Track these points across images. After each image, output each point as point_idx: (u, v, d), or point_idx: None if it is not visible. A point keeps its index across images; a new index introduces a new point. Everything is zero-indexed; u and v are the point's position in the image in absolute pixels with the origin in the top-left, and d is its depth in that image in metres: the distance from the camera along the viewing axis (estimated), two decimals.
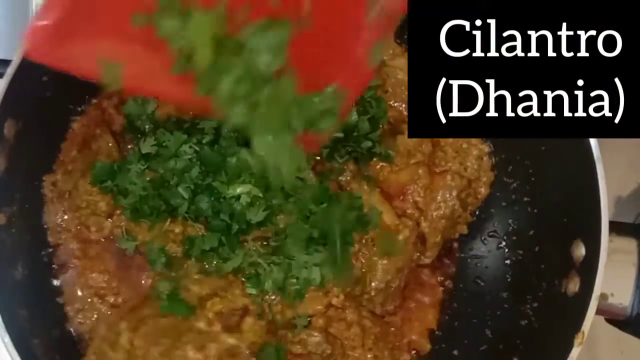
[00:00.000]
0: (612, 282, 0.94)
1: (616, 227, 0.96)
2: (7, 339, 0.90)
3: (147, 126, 1.11)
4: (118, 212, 1.08)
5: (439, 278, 1.20)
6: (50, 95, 1.06)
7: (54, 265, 1.09)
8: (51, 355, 1.01)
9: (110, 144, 1.11)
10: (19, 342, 0.91)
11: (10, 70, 0.97)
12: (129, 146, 1.12)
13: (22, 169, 1.04)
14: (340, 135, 1.08)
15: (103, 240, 1.09)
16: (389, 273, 1.08)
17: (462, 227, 1.18)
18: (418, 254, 1.15)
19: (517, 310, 1.09)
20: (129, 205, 1.05)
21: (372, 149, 1.11)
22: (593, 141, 0.96)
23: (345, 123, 1.07)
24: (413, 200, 1.12)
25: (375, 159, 1.13)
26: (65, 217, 1.09)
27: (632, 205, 1.34)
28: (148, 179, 1.05)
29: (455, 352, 1.15)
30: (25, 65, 0.97)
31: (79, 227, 1.09)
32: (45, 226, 1.09)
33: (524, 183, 1.15)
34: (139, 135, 1.10)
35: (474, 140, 1.16)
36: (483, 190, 1.17)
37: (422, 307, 1.17)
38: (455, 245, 1.20)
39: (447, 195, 1.12)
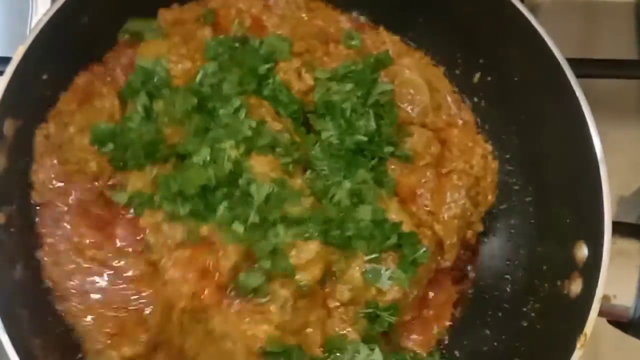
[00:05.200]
0: (614, 284, 0.94)
1: (619, 229, 0.96)
2: (6, 338, 0.90)
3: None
4: (104, 175, 1.07)
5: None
6: (51, 94, 1.06)
7: (38, 230, 1.06)
8: (50, 354, 1.00)
9: (114, 105, 1.08)
10: (18, 341, 0.91)
11: (10, 69, 0.97)
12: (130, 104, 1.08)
13: (22, 169, 1.04)
14: (364, 139, 1.07)
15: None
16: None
17: (477, 225, 1.16)
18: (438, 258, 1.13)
19: (519, 311, 1.08)
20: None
21: (394, 152, 1.10)
22: (596, 142, 0.96)
23: (367, 129, 1.07)
24: (423, 204, 1.11)
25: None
26: (52, 174, 1.07)
27: (635, 205, 1.34)
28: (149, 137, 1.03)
29: (457, 353, 1.15)
30: (25, 64, 0.97)
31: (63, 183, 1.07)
32: (32, 183, 1.06)
33: (526, 184, 1.15)
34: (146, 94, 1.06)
35: (478, 139, 1.16)
36: (490, 190, 1.16)
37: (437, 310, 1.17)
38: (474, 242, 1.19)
39: (457, 195, 1.12)
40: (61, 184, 1.07)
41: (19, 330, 0.94)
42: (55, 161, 1.07)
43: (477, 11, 1.10)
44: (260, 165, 1.02)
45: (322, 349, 1.03)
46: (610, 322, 1.00)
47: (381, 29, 1.20)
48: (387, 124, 1.10)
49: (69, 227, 1.07)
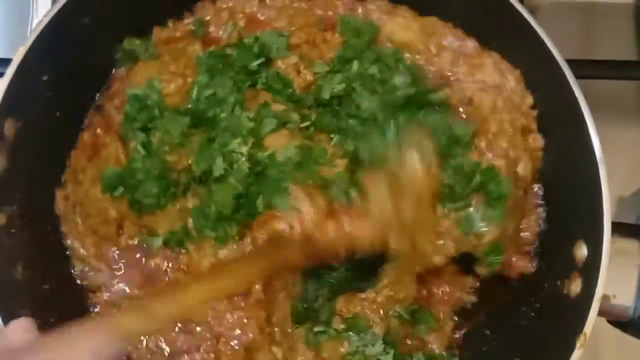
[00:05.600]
0: (614, 284, 0.94)
1: (619, 228, 0.96)
2: None
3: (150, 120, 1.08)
4: (127, 221, 1.08)
5: None
6: (51, 95, 1.06)
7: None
8: None
9: (119, 150, 1.10)
10: None
11: (10, 70, 0.97)
12: (132, 144, 1.10)
13: (22, 169, 1.04)
14: (411, 90, 1.05)
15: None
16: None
17: (530, 123, 1.10)
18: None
19: (519, 311, 1.08)
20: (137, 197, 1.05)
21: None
22: (596, 142, 0.96)
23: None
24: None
25: None
26: (80, 228, 1.10)
27: (634, 205, 1.34)
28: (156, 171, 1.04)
29: (456, 352, 1.15)
30: (26, 65, 0.98)
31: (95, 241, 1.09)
32: (69, 245, 1.10)
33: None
34: (142, 130, 1.08)
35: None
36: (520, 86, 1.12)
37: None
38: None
39: (505, 115, 1.08)
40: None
41: None
42: (79, 219, 1.09)
43: (476, 11, 1.10)
44: (277, 141, 1.02)
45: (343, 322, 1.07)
46: (609, 321, 1.00)
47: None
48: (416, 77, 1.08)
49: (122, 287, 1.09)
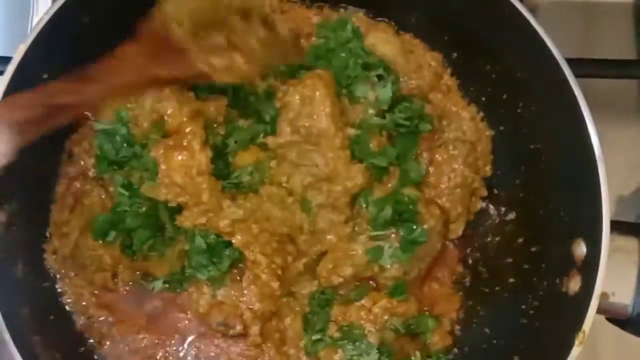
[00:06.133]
0: (613, 281, 0.94)
1: (617, 226, 0.96)
2: (8, 336, 0.90)
3: (122, 154, 1.08)
4: (121, 266, 1.09)
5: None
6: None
7: (90, 340, 1.10)
8: (51, 352, 1.01)
9: (103, 196, 1.10)
10: (20, 339, 0.92)
11: (10, 68, 0.97)
12: (110, 189, 1.10)
13: (22, 168, 1.04)
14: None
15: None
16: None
17: (481, 190, 1.18)
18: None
19: (518, 309, 1.09)
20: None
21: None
22: (595, 141, 0.96)
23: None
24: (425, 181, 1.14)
25: None
26: (76, 279, 1.09)
27: (634, 204, 1.34)
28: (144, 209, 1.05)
29: (455, 350, 1.15)
30: (26, 63, 0.98)
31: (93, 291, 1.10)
32: (68, 301, 1.10)
33: (526, 182, 1.15)
34: (115, 168, 1.08)
35: (462, 103, 1.19)
36: (488, 149, 1.18)
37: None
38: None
39: (455, 165, 1.13)
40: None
41: (21, 327, 0.94)
42: (72, 273, 1.09)
43: (475, 11, 1.10)
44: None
45: (338, 330, 1.07)
46: (608, 319, 1.00)
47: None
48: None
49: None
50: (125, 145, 1.06)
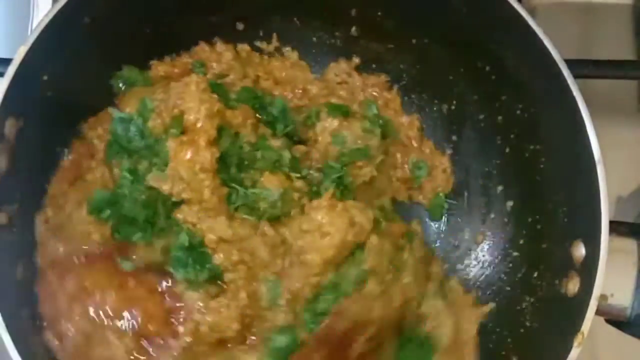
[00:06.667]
0: (612, 283, 0.94)
1: (616, 227, 0.96)
2: (8, 337, 0.90)
3: (134, 143, 1.07)
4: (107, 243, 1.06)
5: None
6: (51, 95, 1.06)
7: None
8: (51, 354, 1.01)
9: (106, 176, 1.10)
10: (19, 340, 0.92)
11: (11, 70, 0.97)
12: (115, 170, 1.09)
13: (23, 168, 1.04)
14: None
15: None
16: None
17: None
18: None
19: (516, 310, 1.09)
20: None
21: None
22: (594, 142, 0.96)
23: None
24: None
25: None
26: (60, 250, 1.06)
27: (633, 205, 1.34)
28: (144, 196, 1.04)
29: None
30: (26, 65, 0.98)
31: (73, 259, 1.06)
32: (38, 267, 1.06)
33: (525, 182, 1.15)
34: (124, 156, 1.08)
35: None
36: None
37: None
38: None
39: None
40: None
41: (20, 328, 0.94)
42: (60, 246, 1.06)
43: (474, 12, 1.10)
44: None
45: None
46: (607, 320, 1.00)
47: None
48: None
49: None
50: (138, 136, 1.07)
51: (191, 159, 1.01)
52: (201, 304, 1.01)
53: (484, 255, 1.21)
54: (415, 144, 1.27)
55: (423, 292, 1.12)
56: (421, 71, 1.26)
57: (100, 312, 1.00)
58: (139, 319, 1.00)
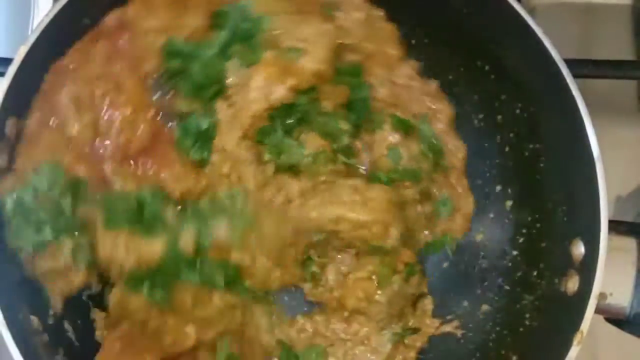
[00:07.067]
0: (611, 281, 0.94)
1: (616, 226, 0.96)
2: (9, 335, 0.90)
3: None
4: None
5: None
6: None
7: None
8: (53, 352, 1.01)
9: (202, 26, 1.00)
10: (20, 339, 0.92)
11: (11, 69, 0.97)
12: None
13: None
14: None
15: None
16: None
17: None
18: None
19: (515, 308, 1.09)
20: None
21: None
22: (593, 141, 0.96)
23: None
24: None
25: None
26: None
27: (632, 204, 1.34)
28: None
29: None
30: (27, 64, 0.98)
31: None
32: None
33: (524, 181, 1.15)
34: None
35: None
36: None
37: None
38: None
39: None
40: None
41: (21, 327, 0.94)
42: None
43: (474, 12, 1.10)
44: None
45: None
46: (607, 319, 1.00)
47: None
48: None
49: None
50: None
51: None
52: None
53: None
54: (453, 179, 1.18)
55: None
56: (421, 71, 1.26)
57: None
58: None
